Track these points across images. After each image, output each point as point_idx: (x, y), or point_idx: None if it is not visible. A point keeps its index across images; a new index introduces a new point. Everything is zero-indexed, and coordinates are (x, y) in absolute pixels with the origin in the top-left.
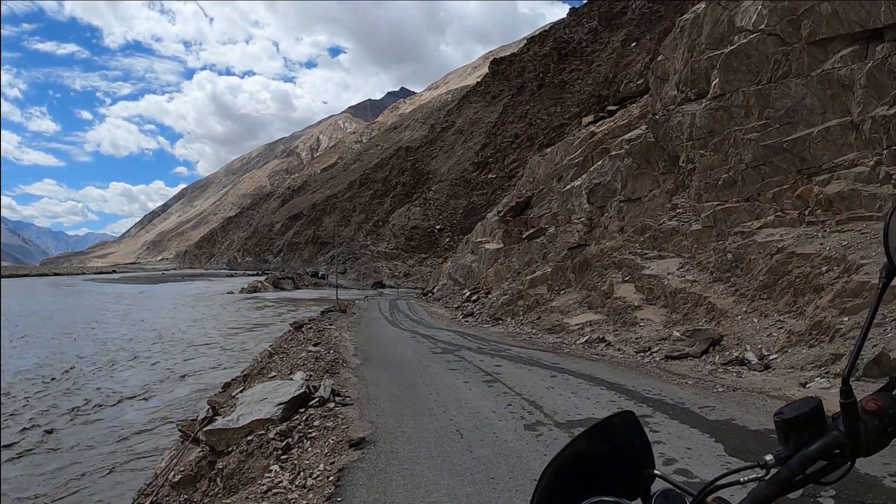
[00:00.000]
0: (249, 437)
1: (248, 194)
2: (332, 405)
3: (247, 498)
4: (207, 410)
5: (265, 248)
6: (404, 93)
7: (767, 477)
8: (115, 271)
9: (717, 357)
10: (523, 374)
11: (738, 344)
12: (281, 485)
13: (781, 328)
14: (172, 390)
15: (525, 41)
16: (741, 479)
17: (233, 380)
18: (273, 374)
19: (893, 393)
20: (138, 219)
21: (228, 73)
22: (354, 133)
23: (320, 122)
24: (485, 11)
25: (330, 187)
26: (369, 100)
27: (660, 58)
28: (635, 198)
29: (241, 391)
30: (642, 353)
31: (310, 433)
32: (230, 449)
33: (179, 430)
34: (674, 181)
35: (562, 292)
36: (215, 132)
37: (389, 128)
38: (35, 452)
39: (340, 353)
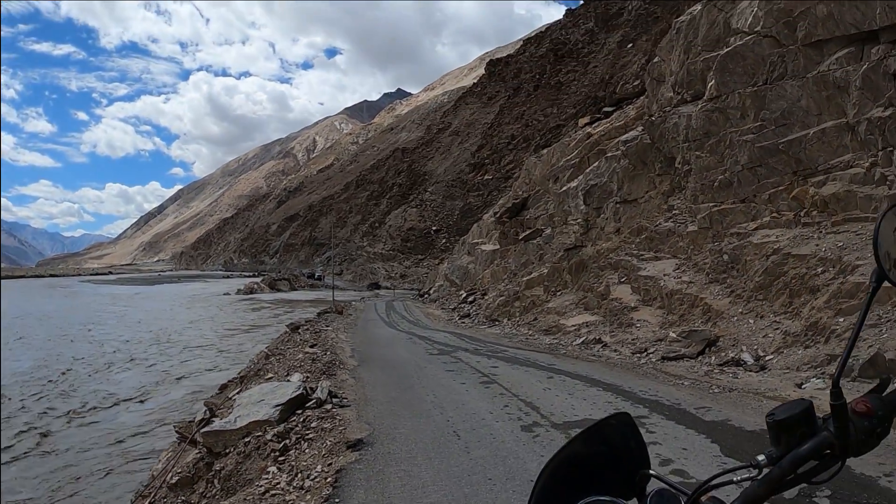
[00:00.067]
0: (247, 439)
1: (245, 195)
2: (329, 407)
3: (245, 499)
4: (204, 412)
5: (261, 249)
6: (401, 94)
7: (760, 476)
8: (111, 273)
9: (714, 358)
10: (520, 376)
11: (734, 345)
12: (279, 486)
13: (777, 329)
14: (169, 392)
15: (521, 42)
16: (734, 479)
17: (229, 381)
18: (270, 375)
19: (883, 395)
20: (134, 220)
21: (225, 74)
22: (351, 134)
23: (317, 123)
24: (481, 12)
25: (326, 188)
26: (366, 101)
27: (656, 59)
28: (631, 199)
29: (238, 393)
30: (639, 355)
31: (307, 435)
32: (228, 450)
33: (176, 431)
34: (670, 182)
35: (558, 293)
36: (211, 133)
37: (386, 129)
38: (31, 455)
39: (337, 355)
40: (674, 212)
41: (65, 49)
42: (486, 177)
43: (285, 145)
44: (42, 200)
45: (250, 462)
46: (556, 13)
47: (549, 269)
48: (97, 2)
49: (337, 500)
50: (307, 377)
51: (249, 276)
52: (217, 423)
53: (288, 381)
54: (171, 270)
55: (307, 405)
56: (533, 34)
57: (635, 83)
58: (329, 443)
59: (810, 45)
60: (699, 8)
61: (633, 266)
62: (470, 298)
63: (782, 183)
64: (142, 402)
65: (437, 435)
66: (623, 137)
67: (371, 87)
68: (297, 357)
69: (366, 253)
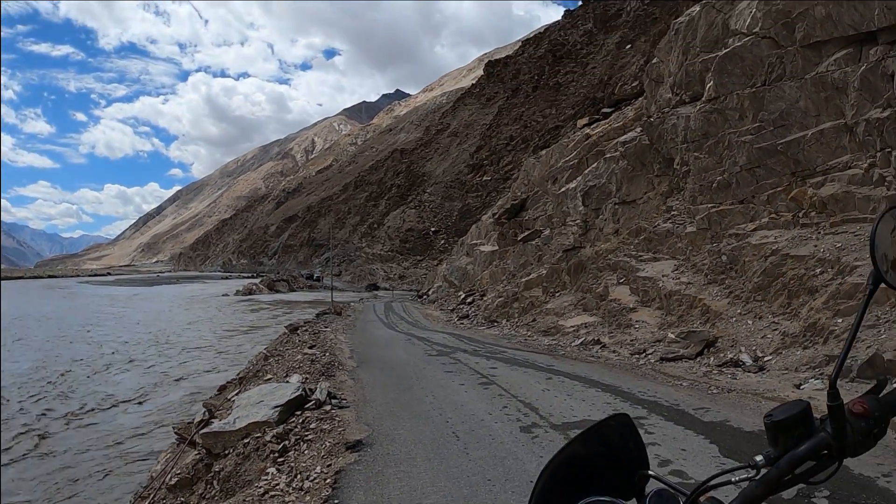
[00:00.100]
0: (246, 440)
1: (243, 196)
2: (328, 408)
3: (244, 501)
4: (203, 413)
5: (260, 250)
6: (399, 95)
7: (758, 477)
8: (109, 273)
9: (712, 359)
10: (519, 377)
11: (732, 346)
12: (278, 487)
13: (776, 330)
14: (168, 394)
15: (520, 43)
16: (733, 479)
17: (228, 382)
18: (269, 376)
19: (880, 396)
20: (133, 221)
21: (223, 75)
22: (349, 135)
23: (315, 124)
24: (480, 13)
25: (325, 189)
26: (364, 102)
27: (654, 60)
28: (630, 200)
29: (237, 394)
30: (637, 355)
31: (306, 436)
32: (227, 452)
33: (175, 432)
34: (668, 183)
35: (557, 294)
36: (210, 134)
37: (384, 130)
38: (29, 457)
39: (336, 356)
40: (672, 213)
41: (63, 50)
42: (484, 178)
43: (284, 146)
44: (41, 201)
45: (249, 463)
46: (555, 14)
47: (547, 270)
48: (96, 2)
49: (336, 502)
50: (306, 378)
51: (248, 278)
52: (216, 425)
53: (287, 382)
54: (170, 271)
55: (306, 406)
56: (532, 35)
57: (634, 84)
58: (328, 444)
59: (809, 46)
60: (698, 9)
61: (632, 267)
62: (469, 299)
63: (781, 184)
64: (140, 403)
65: (437, 436)
66: (622, 138)
67: (370, 88)
68: (295, 358)
69: (364, 254)
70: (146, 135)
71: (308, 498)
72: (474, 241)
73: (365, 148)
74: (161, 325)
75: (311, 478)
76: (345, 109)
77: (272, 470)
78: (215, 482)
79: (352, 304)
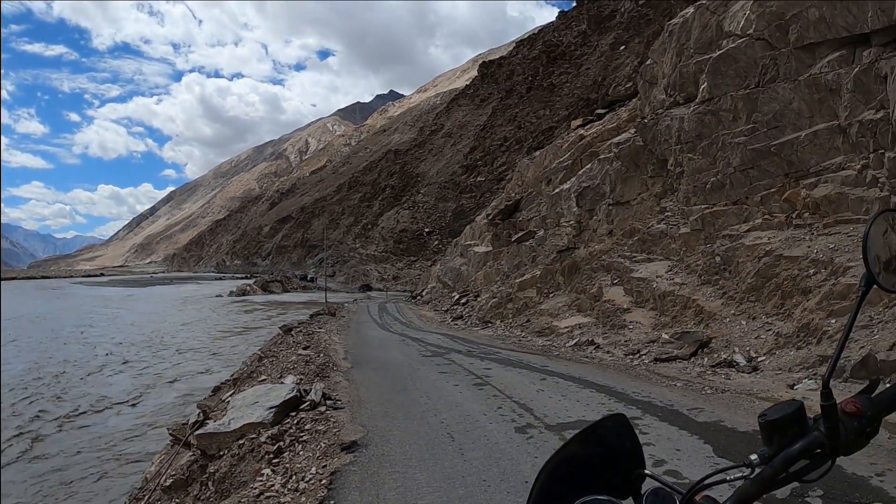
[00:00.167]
0: (241, 441)
1: (237, 197)
2: (323, 409)
3: (239, 502)
4: (198, 414)
5: (254, 251)
6: (393, 95)
7: (752, 475)
8: (103, 274)
9: (706, 359)
10: (513, 377)
11: (726, 346)
12: (273, 488)
13: (769, 330)
14: (161, 395)
15: (514, 44)
16: (727, 478)
17: (223, 384)
18: (263, 377)
19: (873, 395)
20: (126, 221)
21: (217, 75)
22: (343, 136)
23: (309, 124)
24: (474, 14)
25: (319, 190)
26: (358, 102)
27: (648, 62)
28: (624, 201)
29: (231, 395)
30: (631, 356)
31: (301, 437)
32: (222, 453)
33: (170, 434)
34: (662, 184)
35: (551, 295)
36: (204, 134)
37: (378, 130)
38: (22, 460)
39: (330, 357)
40: (666, 214)
41: (57, 50)
42: (478, 178)
43: (278, 147)
44: (34, 202)
45: (244, 464)
46: (549, 15)
47: (541, 271)
48: (90, 2)
49: (332, 502)
50: (301, 379)
51: (242, 278)
52: (211, 426)
53: (281, 383)
54: (164, 272)
55: (301, 407)
56: (525, 36)
57: (628, 85)
58: (323, 445)
59: (802, 47)
60: (691, 10)
61: (626, 268)
62: (463, 300)
63: (774, 185)
64: (134, 405)
65: (432, 437)
66: (615, 139)
67: (364, 89)
68: (290, 359)
69: (358, 255)
70: (140, 135)
71: (303, 499)
72: (468, 242)
73: (359, 149)
74: (155, 326)
75: (307, 479)
76: (339, 110)
77: (267, 471)
78: (210, 483)
79: (346, 304)
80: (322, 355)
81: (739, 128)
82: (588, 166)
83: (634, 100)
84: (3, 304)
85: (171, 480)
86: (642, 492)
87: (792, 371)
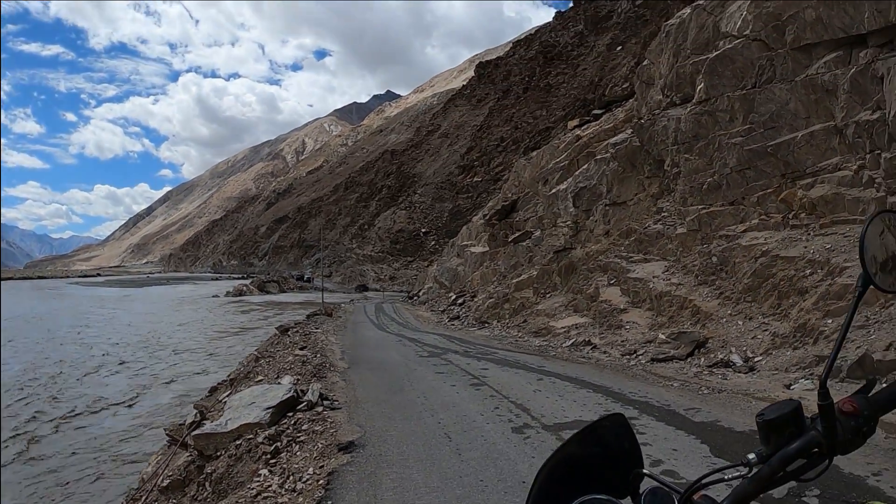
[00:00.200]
0: (238, 442)
1: (234, 197)
2: (320, 409)
3: (236, 502)
4: (195, 415)
5: (250, 251)
6: (390, 96)
7: (750, 475)
8: (99, 275)
9: (703, 359)
10: (510, 378)
11: (723, 346)
12: (270, 489)
13: (766, 330)
14: (158, 396)
15: (511, 45)
16: (725, 477)
17: (219, 384)
18: (260, 378)
19: (869, 395)
20: (123, 222)
21: (214, 75)
22: (340, 136)
23: (306, 125)
24: (471, 14)
25: (315, 190)
26: (355, 103)
27: (645, 62)
28: (621, 201)
29: (228, 395)
30: (628, 356)
31: (299, 437)
32: (219, 453)
33: (167, 434)
34: (659, 185)
35: (548, 295)
36: (200, 135)
37: (375, 131)
38: (19, 461)
39: (327, 357)
40: (663, 214)
41: (53, 49)
42: (475, 179)
43: (274, 147)
44: (30, 202)
45: (242, 465)
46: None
47: (538, 272)
48: (86, 2)
49: (329, 503)
50: (298, 380)
51: (238, 279)
52: (208, 426)
53: (278, 383)
54: (160, 272)
55: (298, 408)
56: (522, 36)
57: (624, 86)
58: (320, 445)
59: (799, 48)
60: (689, 11)
61: (623, 268)
62: (459, 300)
63: (771, 185)
64: (131, 406)
65: (429, 437)
66: (612, 140)
67: (360, 89)
68: (287, 359)
69: (355, 255)
70: (136, 135)
71: (301, 499)
72: (465, 243)
73: (355, 149)
74: (151, 326)
75: (304, 479)
76: (335, 110)
77: (264, 471)
78: (207, 484)
79: (342, 305)
80: (319, 356)
81: (736, 128)
82: (585, 167)
83: (631, 100)
84: (1, 304)
85: (168, 481)
86: (641, 491)
87: (788, 371)
